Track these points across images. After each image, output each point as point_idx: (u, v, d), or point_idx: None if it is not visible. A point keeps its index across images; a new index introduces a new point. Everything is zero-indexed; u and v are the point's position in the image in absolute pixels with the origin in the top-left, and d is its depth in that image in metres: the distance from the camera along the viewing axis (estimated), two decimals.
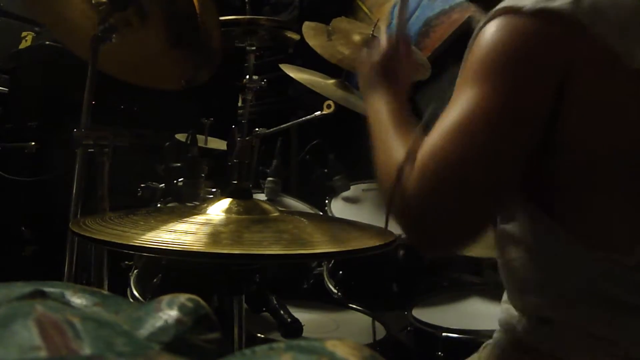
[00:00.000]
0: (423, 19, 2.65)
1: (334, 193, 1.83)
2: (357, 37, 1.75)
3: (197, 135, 1.77)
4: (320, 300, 1.59)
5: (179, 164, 1.65)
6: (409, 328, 1.44)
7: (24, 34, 2.64)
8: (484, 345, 0.93)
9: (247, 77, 1.77)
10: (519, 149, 0.69)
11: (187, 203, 1.54)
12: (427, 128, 0.72)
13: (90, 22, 1.19)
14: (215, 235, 0.74)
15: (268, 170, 1.79)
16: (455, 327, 1.29)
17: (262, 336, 1.24)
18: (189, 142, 1.68)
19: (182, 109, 2.26)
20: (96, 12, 1.17)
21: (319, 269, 1.68)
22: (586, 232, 0.72)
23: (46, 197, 2.06)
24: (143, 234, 0.70)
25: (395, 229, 0.75)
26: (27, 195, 2.18)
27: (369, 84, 0.92)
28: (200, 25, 1.16)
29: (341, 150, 1.94)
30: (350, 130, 2.69)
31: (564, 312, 0.75)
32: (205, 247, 0.69)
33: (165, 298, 0.38)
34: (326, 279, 1.63)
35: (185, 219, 0.78)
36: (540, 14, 0.67)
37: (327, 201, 1.79)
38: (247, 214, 0.82)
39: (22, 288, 0.37)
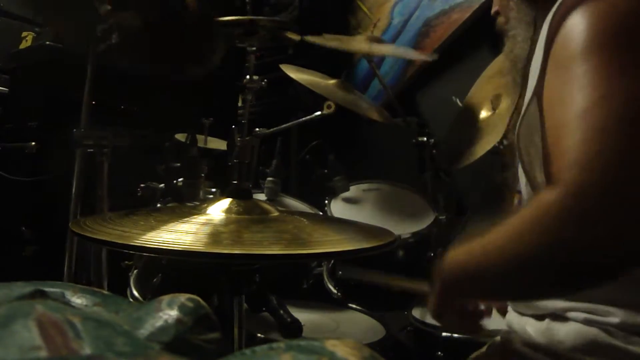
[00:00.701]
0: (423, 19, 2.65)
1: (333, 194, 1.83)
2: None
3: (197, 135, 1.77)
4: (320, 300, 1.58)
5: (179, 164, 1.65)
6: (408, 328, 1.44)
7: (24, 34, 2.63)
8: (488, 343, 0.93)
9: (248, 77, 1.77)
10: None
11: (187, 203, 1.54)
12: None
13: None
14: (215, 235, 0.74)
15: (268, 170, 1.79)
16: None
17: (262, 336, 1.24)
18: (189, 142, 1.68)
19: (182, 109, 2.26)
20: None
21: (318, 269, 1.68)
22: None
23: (46, 197, 2.06)
24: (143, 234, 0.70)
25: (395, 229, 0.74)
26: (27, 195, 2.17)
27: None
28: None
29: (341, 150, 1.94)
30: (350, 131, 2.69)
31: (579, 311, 0.75)
32: (206, 247, 0.69)
33: (165, 298, 0.38)
34: (326, 279, 1.63)
35: (186, 219, 0.78)
36: None
37: (326, 202, 1.79)
38: (247, 214, 0.82)
39: (22, 288, 0.37)
